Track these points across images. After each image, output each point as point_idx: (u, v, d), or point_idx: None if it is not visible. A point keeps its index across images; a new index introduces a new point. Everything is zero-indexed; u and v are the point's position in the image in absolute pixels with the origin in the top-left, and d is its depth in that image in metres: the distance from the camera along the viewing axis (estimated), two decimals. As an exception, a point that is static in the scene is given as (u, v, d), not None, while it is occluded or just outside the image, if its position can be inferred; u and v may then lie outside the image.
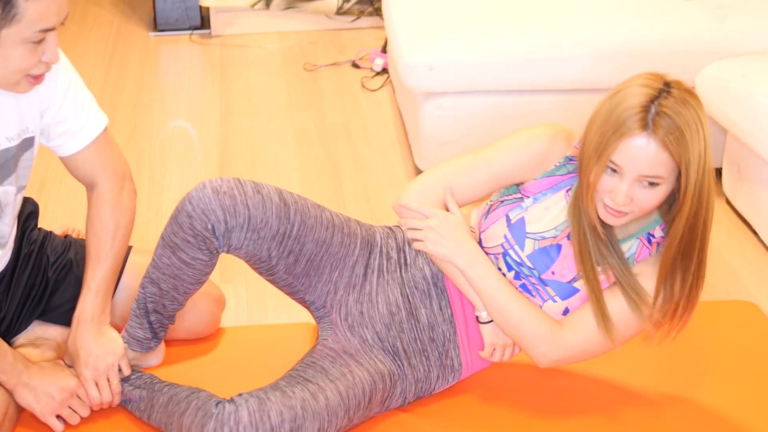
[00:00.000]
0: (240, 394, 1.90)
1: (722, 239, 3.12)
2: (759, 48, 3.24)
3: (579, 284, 1.97)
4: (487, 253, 2.02)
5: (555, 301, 1.98)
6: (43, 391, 2.03)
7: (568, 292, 1.98)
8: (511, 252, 1.99)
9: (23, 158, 2.03)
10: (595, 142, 1.82)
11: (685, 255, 1.90)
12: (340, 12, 4.84)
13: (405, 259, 2.09)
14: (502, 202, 2.02)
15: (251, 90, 4.31)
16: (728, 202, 3.27)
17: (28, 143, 2.03)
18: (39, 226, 2.27)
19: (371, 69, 4.43)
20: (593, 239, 1.92)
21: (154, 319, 2.09)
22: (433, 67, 3.25)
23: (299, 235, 1.99)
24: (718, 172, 3.34)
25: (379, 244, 2.10)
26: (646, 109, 1.78)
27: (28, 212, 2.23)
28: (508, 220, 2.00)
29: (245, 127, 3.96)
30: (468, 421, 2.09)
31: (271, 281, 2.08)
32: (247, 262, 2.04)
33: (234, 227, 1.93)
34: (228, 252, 1.98)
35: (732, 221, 3.21)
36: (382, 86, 4.28)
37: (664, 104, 1.78)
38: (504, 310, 1.98)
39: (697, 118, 1.80)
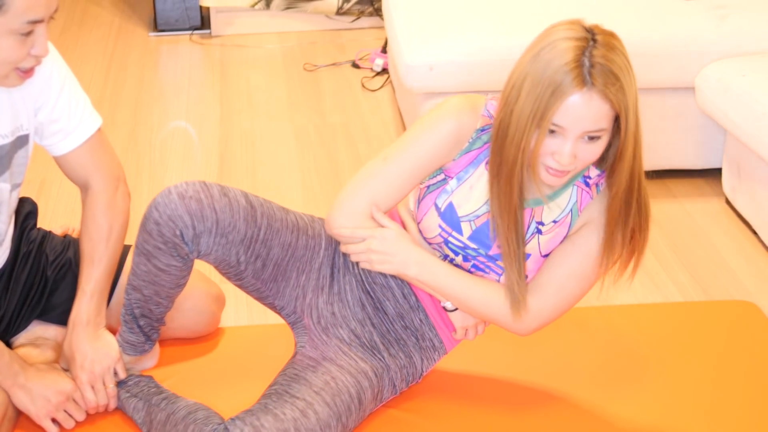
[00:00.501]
0: (234, 421, 1.89)
1: (722, 239, 3.12)
2: (759, 48, 3.24)
3: (528, 248, 1.94)
4: (429, 243, 2.00)
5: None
6: (40, 393, 2.02)
7: None
8: (451, 239, 1.97)
9: (17, 156, 2.03)
10: (530, 108, 1.75)
11: (627, 203, 1.86)
12: (340, 12, 4.84)
13: None
14: (428, 187, 1.98)
15: (251, 90, 4.31)
16: (728, 202, 3.27)
17: (22, 141, 2.02)
18: (39, 225, 2.27)
19: (371, 69, 4.42)
20: (509, 211, 1.87)
21: (144, 323, 2.09)
22: (433, 67, 3.25)
23: (266, 239, 1.98)
24: (718, 171, 3.35)
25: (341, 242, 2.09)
26: (579, 63, 1.73)
27: (27, 212, 2.23)
28: (437, 209, 1.96)
29: (245, 127, 3.96)
30: (465, 420, 2.09)
31: (240, 286, 2.07)
32: (216, 268, 2.02)
33: (202, 232, 1.92)
34: (198, 257, 1.97)
35: (732, 221, 3.21)
36: (382, 86, 4.28)
37: (596, 54, 1.74)
38: (467, 301, 1.96)
39: (626, 60, 1.77)
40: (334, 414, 1.92)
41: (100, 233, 2.12)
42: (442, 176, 1.96)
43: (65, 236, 2.31)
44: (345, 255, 2.07)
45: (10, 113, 1.98)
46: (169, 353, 2.25)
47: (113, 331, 2.16)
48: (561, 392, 2.18)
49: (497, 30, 3.33)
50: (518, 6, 3.46)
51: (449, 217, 1.95)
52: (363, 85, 4.30)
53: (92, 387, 2.07)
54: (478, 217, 1.95)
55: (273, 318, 2.69)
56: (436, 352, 2.10)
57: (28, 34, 1.82)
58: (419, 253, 1.96)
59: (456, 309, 2.03)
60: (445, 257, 2.00)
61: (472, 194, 1.94)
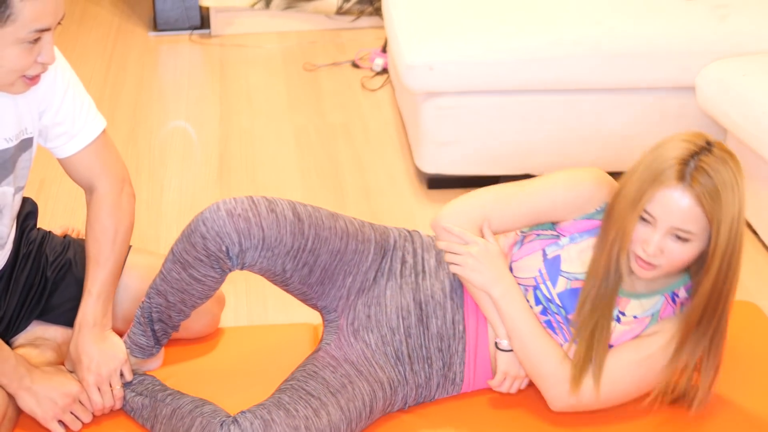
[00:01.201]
0: (244, 413, 1.89)
1: (722, 239, 3.12)
2: (759, 48, 3.24)
3: None
4: (518, 284, 2.03)
5: (577, 342, 1.98)
6: (46, 396, 2.02)
7: None
8: (542, 287, 2.00)
9: (21, 159, 2.02)
10: (633, 191, 1.85)
11: (707, 320, 1.91)
12: (340, 12, 4.84)
13: (423, 267, 2.09)
14: (538, 235, 2.03)
15: (251, 90, 4.31)
16: (728, 202, 3.26)
17: (26, 144, 2.02)
18: (38, 225, 2.27)
19: (371, 69, 4.42)
20: (604, 289, 1.93)
21: (158, 328, 2.09)
22: (433, 67, 3.25)
23: (314, 248, 1.99)
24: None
25: (392, 248, 2.10)
26: (685, 162, 1.81)
27: (27, 212, 2.23)
28: (544, 254, 2.00)
29: (245, 127, 3.96)
30: (467, 423, 2.09)
31: (286, 290, 2.08)
32: (261, 275, 2.03)
33: (248, 248, 1.93)
34: (242, 269, 1.98)
35: (732, 221, 3.21)
36: (382, 86, 4.28)
37: (704, 160, 1.81)
38: (528, 345, 1.99)
39: (734, 179, 1.82)
40: (345, 419, 1.93)
41: (105, 235, 2.12)
42: (555, 232, 2.02)
43: (65, 236, 2.31)
44: (395, 263, 2.09)
45: (15, 117, 1.97)
46: (169, 353, 2.25)
47: (117, 333, 2.15)
48: (561, 393, 2.17)
49: (497, 30, 3.33)
50: (518, 6, 3.46)
51: (552, 265, 1.99)
52: (363, 85, 4.30)
53: (99, 389, 2.06)
54: (577, 279, 1.98)
55: (273, 319, 2.70)
56: (453, 388, 2.10)
57: (35, 42, 1.82)
58: (511, 279, 2.01)
59: (510, 351, 2.03)
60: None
61: (581, 257, 1.98)
